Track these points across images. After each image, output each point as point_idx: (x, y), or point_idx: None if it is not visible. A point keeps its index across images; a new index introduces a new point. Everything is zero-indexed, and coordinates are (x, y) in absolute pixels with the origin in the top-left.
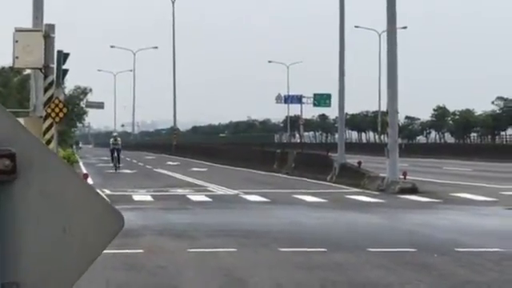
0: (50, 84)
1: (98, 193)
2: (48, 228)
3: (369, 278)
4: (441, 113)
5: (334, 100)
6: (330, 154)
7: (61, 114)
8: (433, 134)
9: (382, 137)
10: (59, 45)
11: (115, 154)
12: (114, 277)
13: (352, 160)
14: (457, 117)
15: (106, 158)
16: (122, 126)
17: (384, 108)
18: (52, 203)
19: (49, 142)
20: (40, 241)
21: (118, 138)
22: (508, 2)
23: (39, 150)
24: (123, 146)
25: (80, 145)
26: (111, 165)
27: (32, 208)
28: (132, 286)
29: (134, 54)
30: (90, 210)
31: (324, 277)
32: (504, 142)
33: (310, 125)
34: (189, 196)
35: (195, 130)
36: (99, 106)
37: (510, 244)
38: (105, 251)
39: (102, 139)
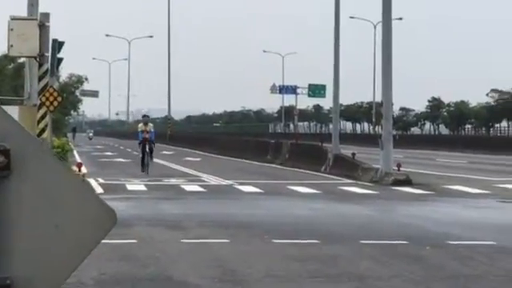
0: (45, 72)
1: (91, 189)
2: (41, 224)
3: (360, 269)
4: (435, 104)
5: (329, 91)
6: (324, 144)
7: (55, 103)
8: (427, 125)
9: (377, 128)
10: (54, 33)
11: (147, 149)
12: (107, 267)
13: (346, 151)
14: (451, 108)
15: (99, 147)
16: (117, 114)
17: (379, 99)
18: (45, 199)
19: (43, 130)
20: (33, 236)
21: (151, 124)
22: None
23: (33, 146)
24: (118, 135)
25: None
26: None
27: (25, 204)
28: (125, 277)
29: (129, 43)
30: (83, 207)
31: (316, 268)
32: (498, 134)
33: (304, 115)
34: (182, 186)
35: (189, 119)
36: (94, 94)
37: (503, 237)
38: None
39: (96, 127)
